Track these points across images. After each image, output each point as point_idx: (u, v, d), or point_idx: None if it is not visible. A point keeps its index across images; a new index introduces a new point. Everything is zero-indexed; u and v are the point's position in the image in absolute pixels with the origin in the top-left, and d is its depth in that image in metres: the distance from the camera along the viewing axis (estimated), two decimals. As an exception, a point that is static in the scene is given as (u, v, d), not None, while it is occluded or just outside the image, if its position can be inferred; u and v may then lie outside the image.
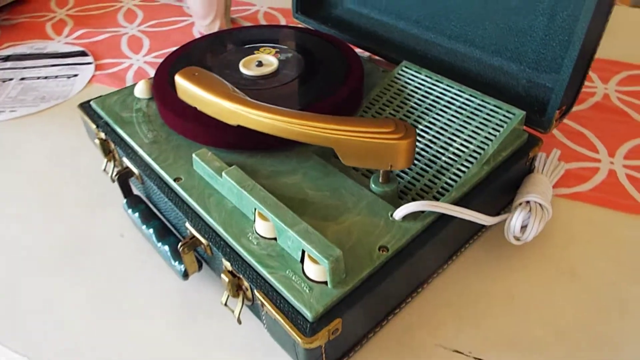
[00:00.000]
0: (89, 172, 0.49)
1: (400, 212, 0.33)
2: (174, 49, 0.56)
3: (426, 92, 0.44)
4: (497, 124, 0.39)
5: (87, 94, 0.61)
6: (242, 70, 0.45)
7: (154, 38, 0.72)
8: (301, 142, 0.34)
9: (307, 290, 0.29)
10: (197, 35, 0.72)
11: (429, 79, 0.44)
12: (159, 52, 0.68)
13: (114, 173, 0.41)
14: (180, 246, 0.34)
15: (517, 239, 0.36)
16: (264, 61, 0.46)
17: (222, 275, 0.32)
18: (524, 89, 0.43)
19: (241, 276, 0.31)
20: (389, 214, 0.34)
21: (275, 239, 0.32)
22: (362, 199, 0.35)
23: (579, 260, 0.39)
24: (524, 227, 0.36)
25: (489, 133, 0.39)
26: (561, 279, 0.38)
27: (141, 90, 0.46)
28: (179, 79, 0.39)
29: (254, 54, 0.47)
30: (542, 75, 0.42)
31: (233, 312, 0.33)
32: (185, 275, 0.36)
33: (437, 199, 0.36)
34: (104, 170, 0.44)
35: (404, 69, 0.46)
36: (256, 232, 0.33)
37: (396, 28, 0.53)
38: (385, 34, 0.53)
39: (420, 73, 0.45)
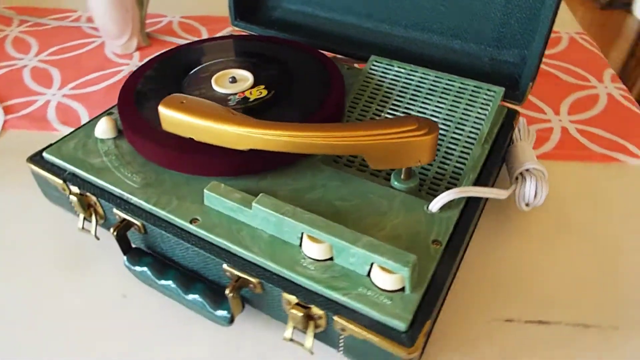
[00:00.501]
0: (54, 232, 0.42)
1: (437, 204, 0.34)
2: (119, 74, 0.50)
3: (405, 83, 0.45)
4: (483, 104, 0.42)
5: (5, 144, 0.52)
6: (216, 88, 0.42)
7: (63, 67, 0.63)
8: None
9: (389, 302, 0.29)
10: (112, 57, 0.65)
11: (403, 70, 0.46)
12: (77, 82, 0.60)
13: (111, 229, 0.36)
14: (230, 291, 0.31)
15: (527, 204, 0.40)
16: (238, 76, 0.43)
17: (293, 310, 0.30)
18: (489, 67, 0.47)
19: (312, 306, 0.29)
20: (425, 208, 0.35)
21: (330, 259, 0.31)
22: (393, 200, 0.35)
23: (575, 214, 0.43)
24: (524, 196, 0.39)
25: (479, 113, 0.41)
26: (566, 233, 0.42)
27: (104, 130, 0.40)
28: (165, 111, 0.35)
29: (220, 69, 0.44)
30: (503, 52, 0.46)
31: (302, 345, 0.31)
32: (231, 320, 0.33)
33: (455, 185, 0.38)
34: (82, 228, 0.38)
35: (375, 63, 0.47)
36: (308, 257, 0.31)
37: (347, 24, 0.53)
38: (336, 31, 0.53)
39: (392, 65, 0.46)
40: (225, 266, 0.32)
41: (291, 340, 0.31)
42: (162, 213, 0.34)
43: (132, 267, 0.36)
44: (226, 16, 0.74)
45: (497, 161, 0.40)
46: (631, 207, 0.44)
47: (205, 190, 0.34)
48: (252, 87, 0.42)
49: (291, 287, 0.30)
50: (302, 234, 0.31)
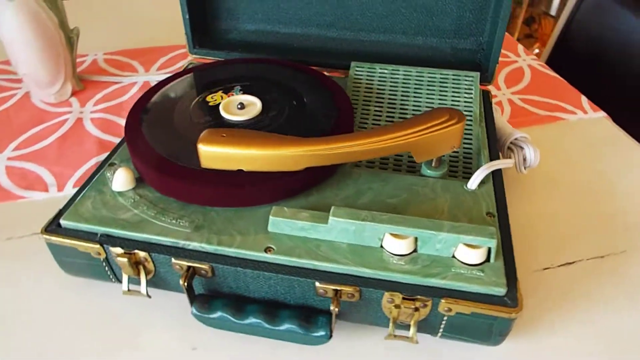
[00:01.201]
0: (88, 305, 0.38)
1: (475, 182, 0.38)
2: (66, 124, 0.46)
3: (392, 82, 0.48)
4: (466, 89, 0.47)
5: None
6: (226, 116, 0.41)
7: (-8, 128, 0.55)
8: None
9: (482, 274, 0.32)
10: (47, 107, 0.59)
11: (386, 71, 0.49)
12: (19, 141, 0.53)
13: (180, 281, 0.34)
14: (335, 307, 0.31)
15: (526, 168, 0.46)
16: (246, 102, 0.42)
17: (395, 308, 0.31)
18: (451, 56, 0.52)
19: (418, 297, 0.31)
20: (464, 187, 0.38)
21: (413, 251, 0.33)
22: (435, 186, 0.38)
23: (553, 169, 0.50)
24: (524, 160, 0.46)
25: (466, 97, 0.46)
26: (554, 187, 0.49)
27: (124, 182, 0.37)
28: (207, 149, 0.34)
29: (222, 95, 0.43)
30: (462, 41, 0.52)
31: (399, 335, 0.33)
32: (330, 334, 0.33)
33: (470, 163, 0.42)
34: (128, 290, 0.35)
35: (357, 69, 0.50)
36: (394, 254, 0.33)
37: (310, 36, 0.55)
38: (300, 44, 0.55)
39: (374, 68, 0.49)
40: (318, 284, 0.32)
41: (394, 336, 0.33)
42: (231, 251, 0.33)
43: (205, 315, 0.34)
44: (158, 46, 0.72)
45: (494, 136, 0.45)
46: (589, 152, 0.53)
47: (271, 217, 0.34)
48: (261, 113, 0.42)
49: (392, 286, 0.32)
50: (384, 234, 0.33)
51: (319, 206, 0.36)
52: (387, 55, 0.53)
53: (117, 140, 0.54)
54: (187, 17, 0.52)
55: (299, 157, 0.34)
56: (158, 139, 0.39)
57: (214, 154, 0.34)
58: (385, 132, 0.35)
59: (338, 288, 0.32)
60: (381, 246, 0.34)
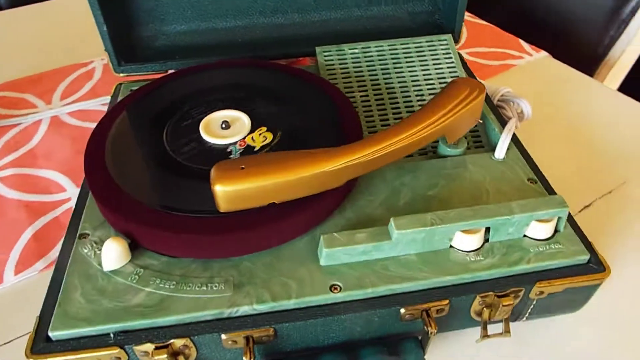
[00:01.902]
0: None
1: (502, 150, 0.36)
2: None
3: (367, 60, 0.44)
4: (444, 52, 0.44)
5: None
6: (208, 139, 0.34)
7: None
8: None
9: (560, 246, 0.30)
10: None
11: (356, 50, 0.44)
12: None
13: (248, 357, 0.27)
14: (432, 329, 0.27)
15: (521, 120, 0.45)
16: (230, 119, 0.35)
17: (486, 308, 0.28)
18: (410, 22, 0.49)
19: (509, 289, 0.29)
20: (492, 158, 0.36)
21: (484, 242, 0.30)
22: (465, 165, 0.35)
23: (538, 116, 0.50)
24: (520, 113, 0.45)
25: (447, 62, 0.44)
26: (540, 133, 0.49)
27: (119, 257, 0.28)
28: (227, 189, 0.27)
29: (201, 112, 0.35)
30: (417, 4, 0.49)
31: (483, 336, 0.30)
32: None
33: (477, 131, 0.40)
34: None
35: (325, 54, 0.44)
36: (468, 251, 0.30)
37: (255, 26, 0.47)
38: (247, 37, 0.47)
39: (342, 49, 0.44)
40: (403, 310, 0.28)
41: (487, 336, 0.30)
42: (292, 303, 0.27)
43: (278, 385, 0.28)
44: (47, 71, 0.60)
45: (487, 97, 0.43)
46: (555, 93, 0.54)
47: (325, 250, 0.28)
48: (251, 130, 0.35)
49: (482, 287, 0.29)
50: (454, 233, 0.29)
51: (361, 220, 0.32)
52: (346, 33, 0.48)
53: (47, 197, 0.43)
54: (105, 28, 0.41)
55: (340, 171, 0.29)
56: (143, 189, 0.30)
57: (237, 193, 0.27)
58: (417, 122, 0.31)
59: (428, 306, 0.28)
60: (450, 246, 0.30)
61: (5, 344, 0.33)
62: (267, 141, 0.34)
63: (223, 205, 0.28)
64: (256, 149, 0.34)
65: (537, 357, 0.32)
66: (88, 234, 0.31)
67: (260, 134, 0.35)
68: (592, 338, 0.33)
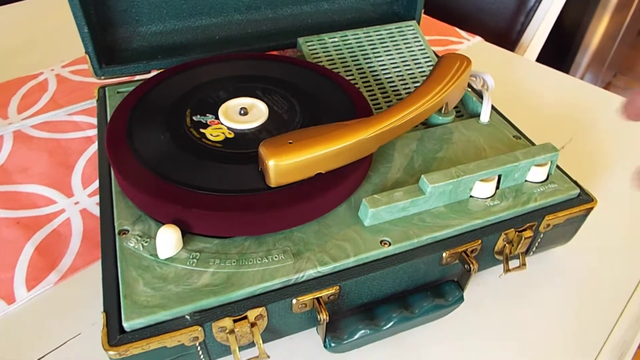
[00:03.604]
0: None
1: (486, 115, 0.41)
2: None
3: (347, 48, 0.47)
4: (413, 38, 0.49)
5: None
6: (230, 125, 0.35)
7: None
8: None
9: (556, 185, 0.35)
10: None
11: (336, 39, 0.47)
12: None
13: (320, 318, 0.29)
14: (474, 266, 0.31)
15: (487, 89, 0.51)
16: (246, 105, 0.36)
17: (508, 244, 0.33)
18: (373, 13, 0.53)
19: (526, 224, 0.33)
20: (479, 122, 0.41)
21: (497, 189, 0.34)
22: (460, 130, 0.40)
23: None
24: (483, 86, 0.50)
25: (418, 46, 0.48)
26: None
27: (175, 244, 0.28)
28: (280, 163, 0.29)
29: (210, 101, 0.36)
30: (375, -4, 0.53)
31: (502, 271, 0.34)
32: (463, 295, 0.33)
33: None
34: (243, 362, 0.28)
35: (309, 44, 0.47)
36: (485, 198, 0.34)
37: (231, 23, 0.48)
38: (224, 34, 0.48)
39: (323, 39, 0.47)
40: (445, 254, 0.31)
41: (509, 270, 0.34)
42: (351, 261, 0.29)
43: (346, 342, 0.30)
44: None
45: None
46: (500, 73, 0.61)
47: (370, 210, 0.31)
48: (269, 116, 0.36)
49: (505, 226, 0.33)
50: (474, 183, 0.33)
51: (387, 184, 0.35)
52: (317, 25, 0.51)
53: (37, 212, 0.40)
54: (87, 30, 0.40)
55: (374, 138, 0.32)
56: (185, 177, 0.31)
57: (290, 166, 0.29)
58: (425, 93, 0.35)
59: (464, 248, 0.32)
60: (470, 196, 0.34)
61: (46, 355, 0.31)
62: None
63: (275, 179, 0.29)
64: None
65: (545, 282, 0.37)
66: (128, 230, 0.30)
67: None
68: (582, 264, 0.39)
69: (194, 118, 0.35)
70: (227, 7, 0.48)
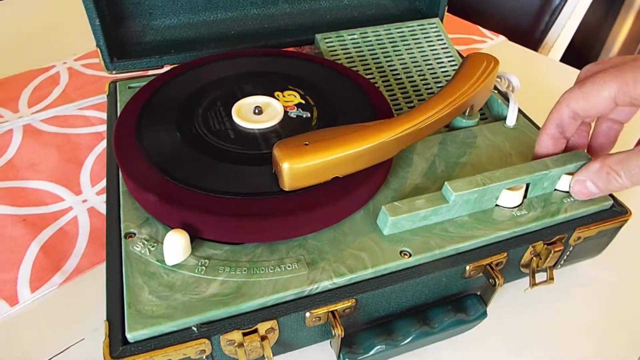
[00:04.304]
0: None
1: (512, 118, 0.39)
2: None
3: (368, 46, 0.45)
4: (436, 36, 0.47)
5: None
6: (241, 123, 0.33)
7: None
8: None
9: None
10: None
11: (355, 35, 0.45)
12: None
13: (334, 333, 0.27)
14: (499, 280, 0.29)
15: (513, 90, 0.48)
16: (261, 104, 0.34)
17: (535, 257, 0.31)
18: (394, 9, 0.51)
19: (555, 237, 0.31)
20: (504, 126, 0.39)
21: (524, 198, 0.32)
22: (484, 134, 0.38)
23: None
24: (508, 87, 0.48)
25: (441, 44, 0.46)
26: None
27: (183, 249, 0.27)
28: (295, 166, 0.27)
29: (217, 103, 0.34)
30: (400, -7, 0.51)
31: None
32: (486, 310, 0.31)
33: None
34: (252, 377, 0.26)
35: (327, 40, 0.45)
36: (512, 207, 0.32)
37: (247, 17, 0.47)
38: (239, 29, 0.47)
39: (342, 35, 0.45)
40: (468, 267, 0.29)
41: (535, 284, 0.32)
42: (369, 273, 0.28)
43: (362, 356, 0.28)
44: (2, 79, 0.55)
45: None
46: (525, 74, 0.59)
47: (390, 219, 0.29)
48: (285, 115, 0.34)
49: (533, 238, 0.31)
50: (501, 191, 0.31)
51: (407, 190, 0.33)
52: (336, 21, 0.49)
53: (44, 209, 0.39)
54: (98, 22, 0.39)
55: (396, 141, 0.30)
56: (196, 179, 0.29)
57: (305, 169, 0.27)
58: (451, 93, 0.33)
59: (489, 261, 0.30)
60: (496, 205, 0.32)
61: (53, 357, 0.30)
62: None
63: (289, 183, 0.28)
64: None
65: (572, 296, 0.35)
66: (134, 233, 0.29)
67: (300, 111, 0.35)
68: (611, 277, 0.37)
69: (207, 116, 0.34)
70: (244, 0, 0.47)
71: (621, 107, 0.29)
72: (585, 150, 0.35)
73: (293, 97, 0.36)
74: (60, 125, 0.47)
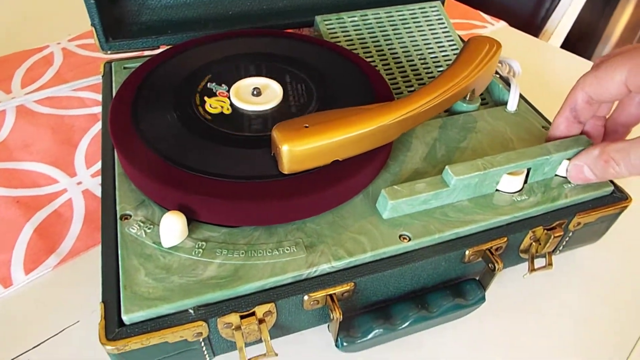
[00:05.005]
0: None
1: (514, 103, 0.38)
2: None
3: (368, 28, 0.44)
4: (437, 19, 0.46)
5: None
6: (242, 106, 0.32)
7: None
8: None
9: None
10: None
11: (355, 17, 0.45)
12: None
13: (333, 316, 0.26)
14: (499, 265, 0.29)
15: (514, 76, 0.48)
16: (260, 85, 0.34)
17: (535, 242, 0.30)
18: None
19: (555, 222, 0.31)
20: (505, 111, 0.38)
21: (525, 183, 0.32)
22: (485, 118, 0.37)
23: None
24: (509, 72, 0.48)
25: (442, 27, 0.46)
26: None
27: (180, 232, 0.26)
28: (295, 148, 0.27)
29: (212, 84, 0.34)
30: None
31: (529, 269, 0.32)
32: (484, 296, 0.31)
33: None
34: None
35: (327, 22, 0.44)
36: (512, 192, 0.31)
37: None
38: (238, 10, 0.46)
39: (342, 17, 0.45)
40: (468, 252, 0.29)
41: (534, 270, 0.32)
42: (368, 256, 0.27)
43: (359, 341, 0.28)
44: None
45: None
46: (528, 59, 0.58)
47: (390, 202, 0.28)
48: (284, 97, 0.34)
49: (532, 223, 0.31)
50: (501, 176, 0.31)
51: (407, 174, 0.32)
52: (336, 4, 0.48)
53: (37, 191, 0.38)
54: (93, 1, 0.38)
55: (397, 124, 0.29)
56: (193, 161, 0.29)
57: (305, 152, 0.27)
58: (454, 76, 0.33)
59: (489, 245, 0.30)
60: (496, 190, 0.32)
61: (43, 342, 0.30)
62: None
63: (288, 166, 0.27)
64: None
65: (570, 282, 0.35)
66: (130, 215, 0.28)
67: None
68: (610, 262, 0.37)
69: (204, 99, 0.33)
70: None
71: (635, 93, 0.29)
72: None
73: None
74: (54, 106, 0.47)
